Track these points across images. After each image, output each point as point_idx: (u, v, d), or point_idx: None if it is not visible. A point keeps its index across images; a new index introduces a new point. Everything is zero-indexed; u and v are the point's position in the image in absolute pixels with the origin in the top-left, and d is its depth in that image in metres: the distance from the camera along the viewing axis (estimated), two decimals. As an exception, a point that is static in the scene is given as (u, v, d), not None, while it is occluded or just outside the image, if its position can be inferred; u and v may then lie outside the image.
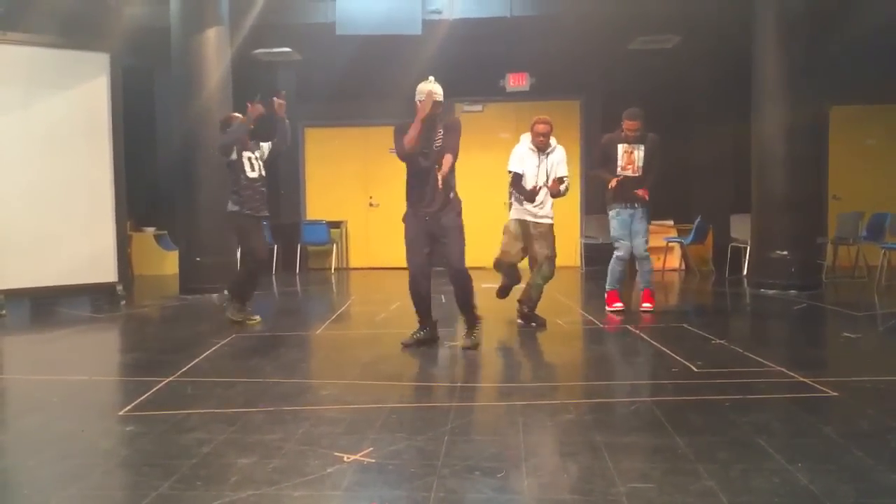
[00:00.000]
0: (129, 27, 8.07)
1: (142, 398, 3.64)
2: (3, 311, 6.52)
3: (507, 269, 5.65)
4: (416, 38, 8.31)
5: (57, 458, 2.82)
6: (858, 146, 10.11)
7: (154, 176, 10.04)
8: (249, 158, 5.76)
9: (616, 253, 6.20)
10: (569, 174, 5.63)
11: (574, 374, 4.51)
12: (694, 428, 3.07)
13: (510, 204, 5.72)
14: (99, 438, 3.09)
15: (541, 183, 5.48)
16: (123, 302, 7.23)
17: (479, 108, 10.96)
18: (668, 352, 4.62)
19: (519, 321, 5.71)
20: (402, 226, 4.78)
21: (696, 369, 4.13)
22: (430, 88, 4.59)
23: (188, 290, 7.66)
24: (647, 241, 6.20)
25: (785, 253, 7.34)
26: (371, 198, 11.10)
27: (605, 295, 6.32)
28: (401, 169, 4.77)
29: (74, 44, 7.15)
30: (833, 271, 8.86)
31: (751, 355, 4.46)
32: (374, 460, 2.70)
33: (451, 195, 4.67)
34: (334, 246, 10.84)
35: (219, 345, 5.03)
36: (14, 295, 6.77)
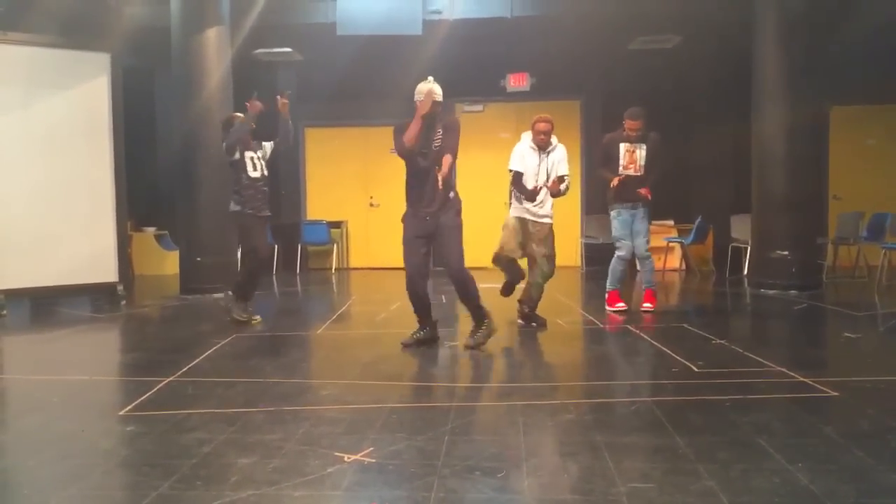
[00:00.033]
0: (129, 27, 8.07)
1: (142, 398, 3.64)
2: (4, 311, 6.52)
3: (505, 264, 5.61)
4: (417, 39, 8.30)
5: (57, 458, 2.82)
6: (859, 146, 10.10)
7: (154, 176, 10.03)
8: (252, 158, 5.77)
9: (617, 253, 6.20)
10: (569, 173, 5.62)
11: (574, 374, 4.50)
12: (694, 428, 3.07)
13: (510, 203, 5.72)
14: (99, 438, 3.10)
15: (541, 181, 5.47)
16: (124, 302, 7.23)
17: (479, 108, 10.96)
18: (668, 352, 4.62)
19: (519, 321, 5.70)
20: (403, 226, 4.78)
21: (696, 369, 4.13)
22: (430, 88, 4.59)
23: (188, 290, 7.66)
24: (648, 241, 6.20)
25: (785, 253, 7.34)
26: (371, 198, 11.10)
27: (606, 295, 6.32)
28: (401, 169, 4.77)
29: (75, 44, 7.15)
30: (833, 271, 8.86)
31: (751, 355, 4.46)
32: (374, 460, 2.70)
33: (451, 195, 4.67)
34: (335, 246, 10.84)
35: (219, 345, 5.03)
36: (14, 295, 6.77)
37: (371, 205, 11.11)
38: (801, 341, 5.55)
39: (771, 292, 7.32)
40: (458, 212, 4.72)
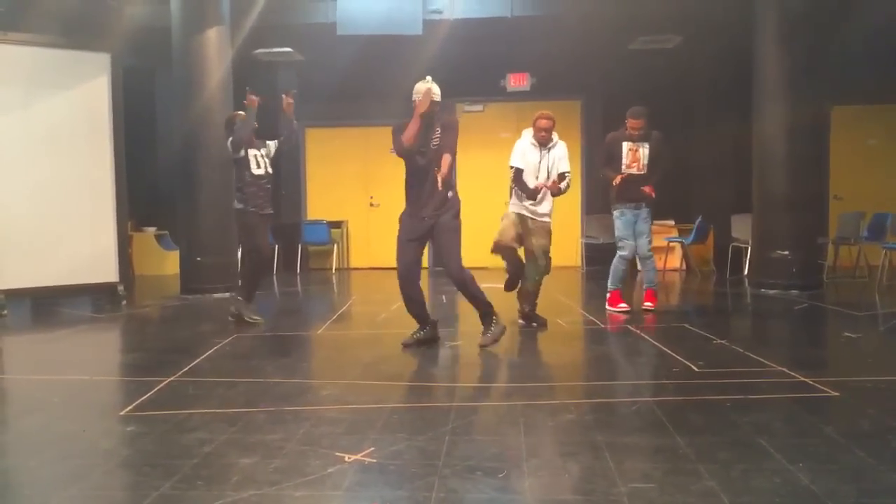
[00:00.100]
0: (129, 27, 8.08)
1: (143, 398, 3.64)
2: (5, 311, 6.52)
3: (505, 253, 5.55)
4: (417, 39, 8.30)
5: (58, 459, 2.82)
6: (860, 146, 10.10)
7: (155, 176, 10.03)
8: (256, 156, 5.77)
9: (620, 253, 6.20)
10: (570, 170, 5.61)
11: (575, 374, 4.50)
12: (695, 428, 3.07)
13: (510, 202, 5.70)
14: (100, 438, 3.09)
15: (542, 178, 5.46)
16: (124, 302, 7.23)
17: (479, 108, 10.96)
18: (669, 352, 4.62)
19: (520, 321, 5.70)
20: (399, 225, 4.78)
21: (697, 369, 4.12)
22: (428, 87, 4.59)
23: (189, 290, 7.66)
24: (650, 241, 6.21)
25: (786, 253, 7.34)
26: (372, 198, 11.10)
27: (608, 295, 6.31)
28: (401, 169, 4.77)
29: (75, 44, 7.15)
30: (834, 271, 8.86)
31: (752, 355, 4.46)
32: (375, 460, 2.70)
33: (450, 194, 4.66)
34: (335, 246, 10.84)
35: (220, 345, 5.03)
36: (15, 295, 6.77)
37: (371, 205, 11.11)
38: (802, 341, 5.55)
39: (771, 292, 7.32)
40: (457, 213, 4.71)
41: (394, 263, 4.75)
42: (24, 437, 3.20)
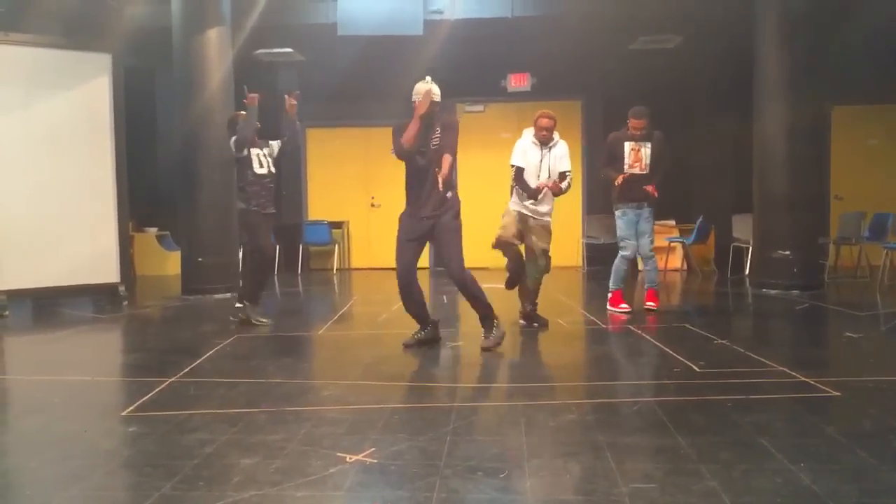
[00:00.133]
0: (130, 27, 8.08)
1: (144, 399, 3.64)
2: (6, 312, 6.52)
3: (506, 249, 5.53)
4: (418, 39, 8.31)
5: (59, 459, 2.82)
6: (861, 146, 10.10)
7: (156, 176, 10.04)
8: (258, 155, 5.78)
9: (622, 252, 6.20)
10: (571, 169, 5.61)
11: (576, 374, 4.50)
12: (696, 428, 3.07)
13: (511, 202, 5.70)
14: (101, 439, 3.10)
15: (543, 177, 5.46)
16: (125, 302, 7.23)
17: (480, 108, 10.96)
18: (670, 352, 4.62)
19: (521, 321, 5.70)
20: (398, 224, 4.78)
21: (698, 369, 4.12)
22: (428, 88, 4.59)
23: (190, 291, 7.66)
24: (652, 241, 6.21)
25: (787, 253, 7.33)
26: (372, 198, 11.10)
27: (609, 294, 6.31)
28: (402, 170, 4.77)
29: (76, 44, 7.15)
30: (835, 271, 8.86)
31: (753, 355, 4.46)
32: (376, 461, 2.70)
33: (450, 194, 4.65)
34: (336, 246, 10.84)
35: (221, 345, 5.03)
36: (16, 295, 6.78)
37: (372, 205, 11.11)
38: (803, 341, 5.54)
39: (773, 292, 7.31)
40: (457, 214, 4.70)
41: (395, 264, 4.75)
42: (26, 438, 3.20)
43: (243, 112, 5.80)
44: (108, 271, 7.27)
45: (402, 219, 4.76)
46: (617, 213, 6.20)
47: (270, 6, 8.17)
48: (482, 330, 4.84)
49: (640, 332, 5.42)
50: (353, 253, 11.27)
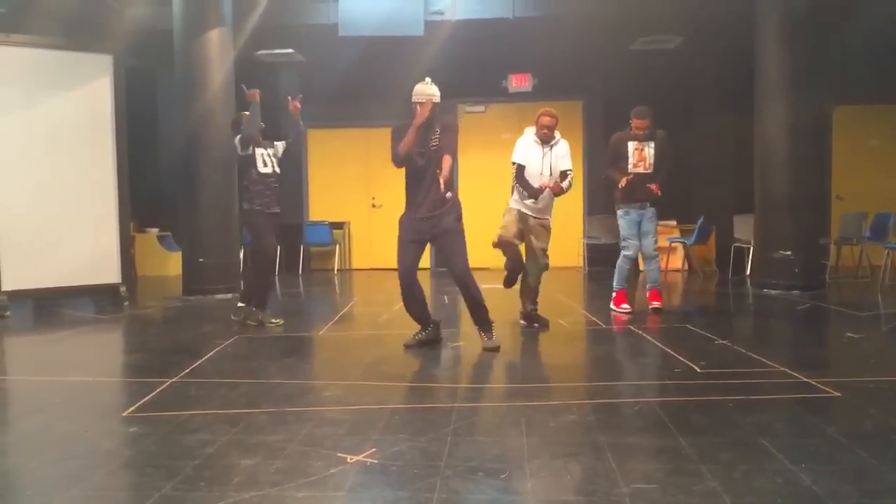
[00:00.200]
0: (131, 29, 8.09)
1: (145, 399, 3.64)
2: (7, 313, 6.53)
3: (507, 248, 5.53)
4: (419, 40, 8.31)
5: (60, 459, 2.82)
6: (862, 146, 10.09)
7: (157, 177, 10.06)
8: (262, 154, 5.78)
9: (624, 252, 6.20)
10: (572, 168, 5.61)
11: (577, 374, 4.50)
12: (697, 428, 3.07)
13: (512, 200, 5.70)
14: (102, 439, 3.10)
15: (545, 175, 5.46)
16: (126, 303, 7.23)
17: (481, 108, 10.97)
18: (671, 352, 4.62)
19: (522, 322, 5.70)
20: (399, 227, 4.78)
21: (699, 370, 4.12)
22: (431, 94, 4.58)
23: (191, 291, 7.67)
24: (656, 241, 6.21)
25: (788, 253, 7.33)
26: (373, 198, 11.11)
27: (613, 294, 6.31)
28: (402, 170, 4.77)
29: (77, 45, 7.15)
30: (836, 271, 8.85)
31: (754, 356, 4.46)
32: (376, 461, 2.70)
33: (450, 195, 4.64)
34: (337, 247, 10.85)
35: (222, 346, 5.04)
36: (17, 296, 6.78)
37: (373, 205, 11.12)
38: (804, 342, 5.54)
39: (774, 292, 7.31)
40: (459, 217, 4.70)
41: (396, 265, 4.75)
42: (27, 438, 3.20)
43: (247, 112, 5.81)
44: (109, 272, 7.27)
45: (402, 220, 4.76)
46: (619, 212, 6.20)
47: (271, 7, 8.19)
48: (481, 332, 4.83)
49: (641, 332, 5.42)
50: (353, 253, 11.28)
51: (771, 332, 5.98)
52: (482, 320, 4.80)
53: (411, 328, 4.97)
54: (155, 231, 10.36)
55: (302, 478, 2.54)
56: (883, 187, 9.60)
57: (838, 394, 3.57)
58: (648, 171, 6.07)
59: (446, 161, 4.55)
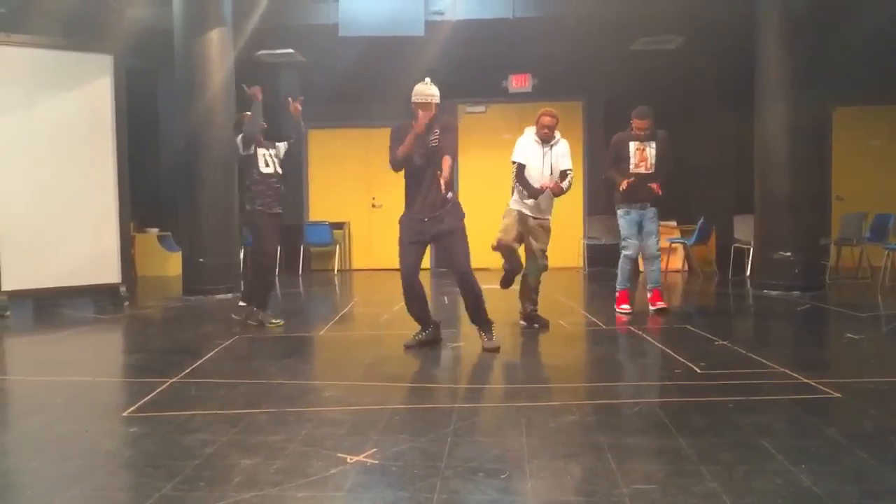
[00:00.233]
0: (132, 29, 8.09)
1: (145, 399, 3.64)
2: (7, 313, 6.53)
3: (506, 252, 5.55)
4: (419, 40, 8.31)
5: (60, 459, 2.82)
6: (862, 147, 10.09)
7: (157, 177, 10.06)
8: (264, 154, 5.78)
9: (624, 252, 6.20)
10: (572, 168, 5.62)
11: (577, 375, 4.50)
12: (697, 429, 3.07)
13: (512, 200, 5.70)
14: (102, 439, 3.10)
15: (546, 174, 5.46)
16: (127, 303, 7.23)
17: (481, 108, 10.97)
18: (671, 353, 4.62)
19: (522, 322, 5.70)
20: (399, 228, 4.78)
21: (699, 370, 4.12)
22: (430, 94, 4.58)
23: (191, 292, 7.68)
24: (658, 241, 6.21)
25: (788, 254, 7.33)
26: (374, 199, 11.11)
27: (616, 294, 6.31)
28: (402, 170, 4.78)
29: (77, 45, 7.16)
30: (836, 272, 8.85)
31: (754, 356, 4.46)
32: (377, 461, 2.70)
33: (450, 195, 4.64)
34: (337, 247, 10.85)
35: (222, 346, 5.04)
36: (17, 296, 6.78)
37: (373, 206, 11.12)
38: (804, 342, 5.54)
39: (774, 293, 7.31)
40: (461, 217, 4.71)
41: (396, 265, 4.75)
42: (27, 438, 3.20)
43: (248, 112, 5.81)
44: (109, 272, 7.27)
45: (402, 221, 4.76)
46: (619, 212, 6.20)
47: (272, 7, 8.19)
48: (481, 333, 4.83)
49: (641, 333, 5.42)
50: (354, 254, 11.28)
51: (771, 332, 5.98)
52: (482, 321, 4.80)
53: (411, 328, 4.97)
54: (155, 231, 10.36)
55: (302, 478, 2.54)
56: (883, 188, 9.60)
57: (838, 395, 3.57)
58: (650, 172, 6.07)
59: (446, 162, 4.54)
